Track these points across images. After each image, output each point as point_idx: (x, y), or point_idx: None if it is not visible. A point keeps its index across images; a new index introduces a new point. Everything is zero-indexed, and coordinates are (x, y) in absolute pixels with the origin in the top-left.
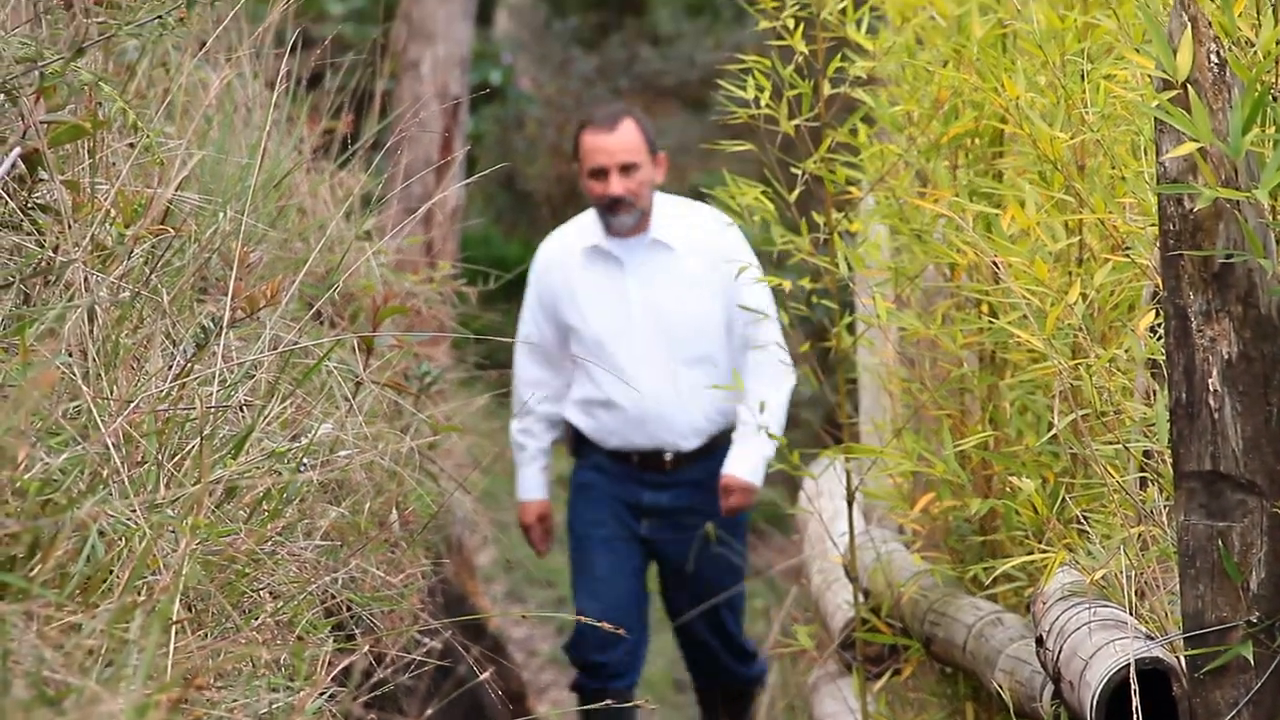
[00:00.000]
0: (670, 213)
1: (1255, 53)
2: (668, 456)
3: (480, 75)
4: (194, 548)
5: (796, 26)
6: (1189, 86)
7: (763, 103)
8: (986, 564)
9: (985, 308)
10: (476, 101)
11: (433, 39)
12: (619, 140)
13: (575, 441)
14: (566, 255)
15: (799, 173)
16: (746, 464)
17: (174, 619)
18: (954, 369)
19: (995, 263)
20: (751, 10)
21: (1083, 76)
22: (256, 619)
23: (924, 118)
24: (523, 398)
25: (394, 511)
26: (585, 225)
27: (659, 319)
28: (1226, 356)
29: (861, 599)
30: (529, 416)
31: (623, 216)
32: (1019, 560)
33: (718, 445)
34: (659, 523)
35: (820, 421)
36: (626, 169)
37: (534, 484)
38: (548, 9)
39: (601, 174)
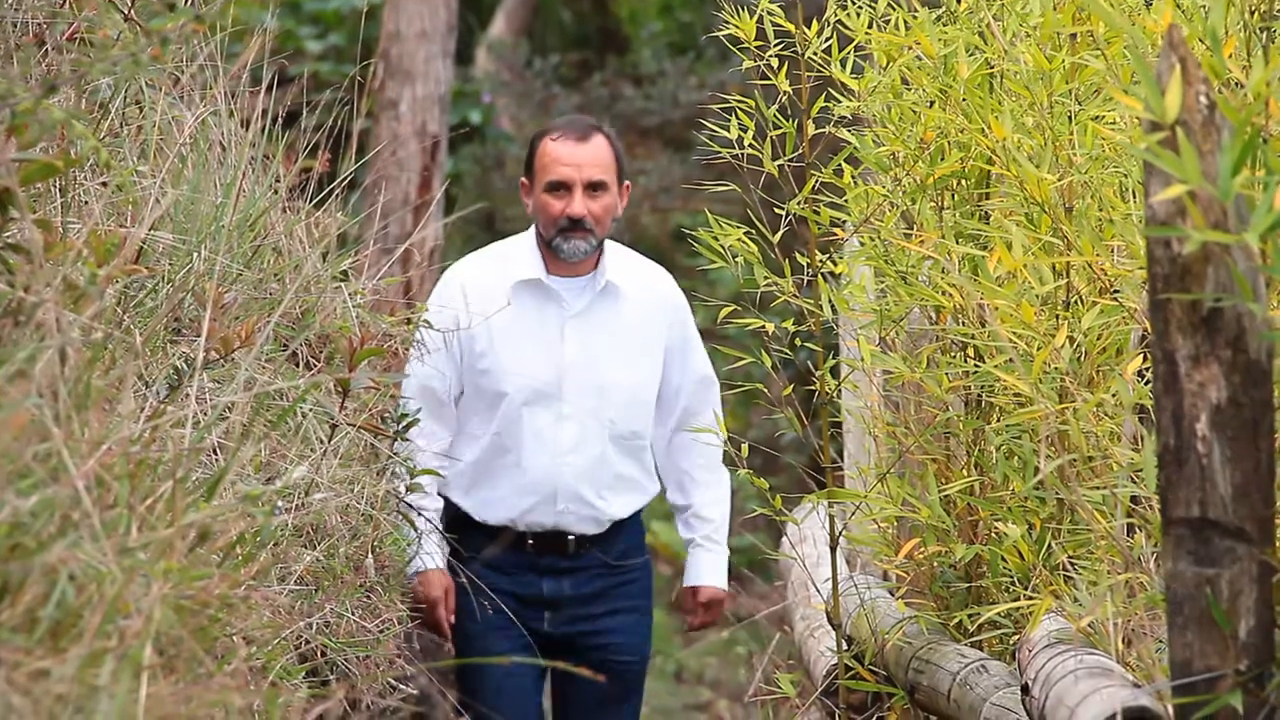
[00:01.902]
0: (621, 257)
1: (1245, 94)
2: (570, 539)
3: (459, 114)
4: (166, 592)
5: (781, 66)
6: (1178, 128)
7: (746, 143)
8: (972, 610)
9: (971, 351)
10: (455, 141)
11: (411, 78)
12: (590, 153)
13: (457, 528)
14: (491, 287)
15: (783, 213)
16: (716, 572)
17: (145, 665)
18: (939, 413)
19: (981, 305)
20: (735, 49)
21: (1070, 118)
22: (229, 664)
23: (910, 158)
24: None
25: (370, 555)
26: (516, 254)
27: (595, 378)
28: (1215, 402)
29: (845, 646)
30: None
31: (578, 242)
32: (1004, 607)
33: (624, 526)
34: (564, 614)
35: (803, 465)
36: (594, 187)
37: (435, 552)
38: (528, 47)
39: (563, 189)
